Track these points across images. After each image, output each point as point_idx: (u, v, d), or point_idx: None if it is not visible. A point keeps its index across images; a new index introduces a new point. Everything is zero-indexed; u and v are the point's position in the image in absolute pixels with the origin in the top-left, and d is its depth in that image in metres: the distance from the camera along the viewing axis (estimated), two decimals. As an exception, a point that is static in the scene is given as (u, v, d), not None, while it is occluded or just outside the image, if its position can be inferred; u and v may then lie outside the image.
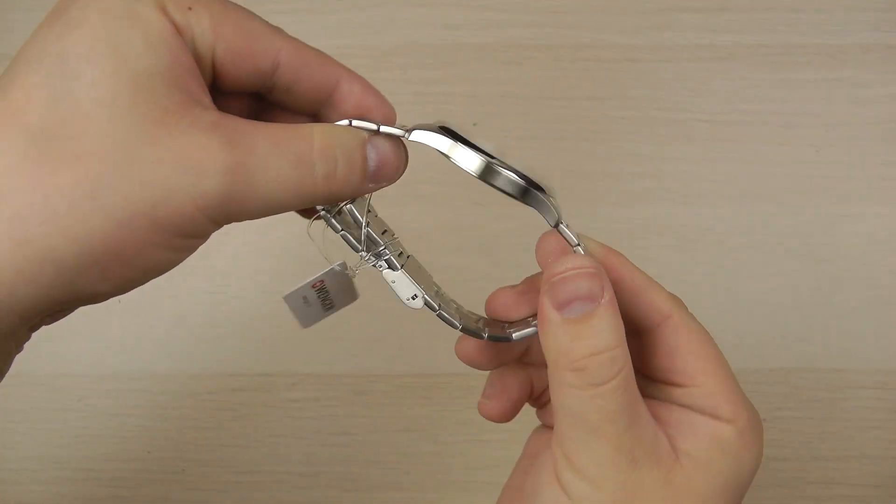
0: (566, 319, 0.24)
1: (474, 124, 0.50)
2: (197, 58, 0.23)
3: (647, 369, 0.27)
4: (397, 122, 0.27)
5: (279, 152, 0.22)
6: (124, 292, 0.23)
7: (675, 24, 0.51)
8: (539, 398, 0.31)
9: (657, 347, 0.27)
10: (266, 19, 0.24)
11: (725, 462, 0.25)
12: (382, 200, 0.49)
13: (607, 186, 0.49)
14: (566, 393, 0.24)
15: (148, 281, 0.23)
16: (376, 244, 0.28)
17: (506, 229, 0.48)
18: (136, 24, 0.21)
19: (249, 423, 0.46)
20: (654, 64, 0.51)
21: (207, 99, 0.23)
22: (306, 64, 0.24)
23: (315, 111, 0.26)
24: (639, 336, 0.27)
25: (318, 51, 0.25)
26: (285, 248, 0.48)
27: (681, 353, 0.26)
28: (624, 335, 0.25)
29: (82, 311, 0.24)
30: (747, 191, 0.49)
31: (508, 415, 0.30)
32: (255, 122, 0.23)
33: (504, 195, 0.26)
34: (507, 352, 0.30)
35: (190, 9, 0.22)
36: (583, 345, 0.24)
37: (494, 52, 0.51)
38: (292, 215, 0.26)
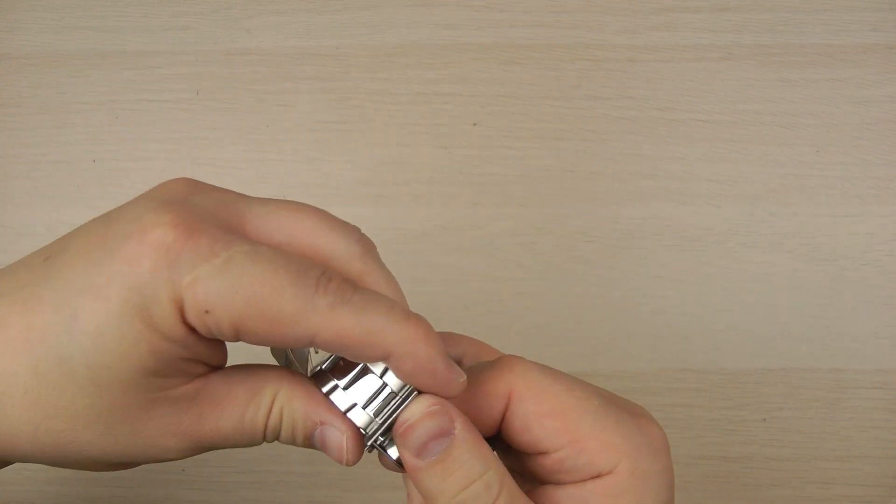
0: (429, 463, 0.24)
1: (474, 124, 0.50)
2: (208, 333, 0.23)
3: (518, 446, 0.26)
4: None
5: (241, 428, 0.24)
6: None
7: (675, 24, 0.51)
8: None
9: (513, 425, 0.25)
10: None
11: None
12: (382, 200, 0.49)
13: (607, 186, 0.49)
14: None
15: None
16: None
17: (506, 229, 0.48)
18: (147, 327, 0.22)
19: (249, 423, 0.46)
20: (654, 64, 0.51)
21: (202, 367, 0.24)
22: (347, 347, 0.22)
23: None
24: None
25: (365, 325, 0.22)
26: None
27: (534, 420, 0.25)
28: (490, 454, 0.24)
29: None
30: (747, 191, 0.49)
31: None
32: (229, 382, 0.24)
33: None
34: None
35: (207, 312, 0.21)
36: (453, 481, 0.23)
37: (494, 52, 0.51)
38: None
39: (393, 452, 0.25)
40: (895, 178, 0.49)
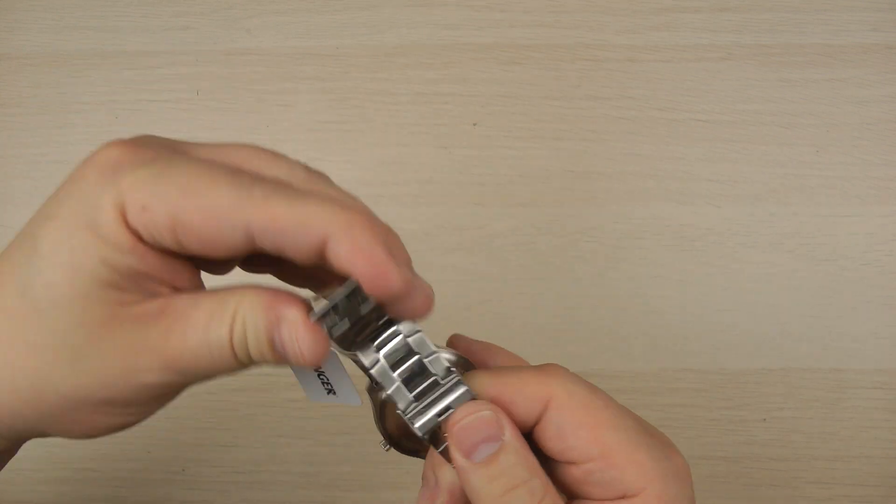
0: (476, 464, 0.24)
1: (474, 124, 0.50)
2: (163, 248, 0.23)
3: (548, 452, 0.27)
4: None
5: (207, 342, 0.23)
6: (100, 435, 0.26)
7: (675, 24, 0.51)
8: None
9: (546, 430, 0.26)
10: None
11: None
12: (383, 200, 0.49)
13: (607, 186, 0.49)
14: None
15: (116, 432, 0.26)
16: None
17: (506, 229, 0.48)
18: (95, 237, 0.22)
19: (249, 423, 0.46)
20: (654, 64, 0.51)
21: (165, 287, 0.24)
22: (282, 232, 0.22)
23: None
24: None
25: (300, 209, 0.22)
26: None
27: (569, 429, 0.25)
28: (536, 463, 0.25)
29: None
30: (747, 191, 0.49)
31: None
32: (196, 300, 0.23)
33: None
34: None
35: (144, 208, 0.22)
36: (499, 484, 0.24)
37: (494, 52, 0.51)
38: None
39: (420, 428, 0.26)
40: (895, 178, 0.49)
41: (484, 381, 0.26)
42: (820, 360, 0.47)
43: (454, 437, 0.25)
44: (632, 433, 0.25)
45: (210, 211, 0.22)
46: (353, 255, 0.22)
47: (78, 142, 0.50)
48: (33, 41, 0.51)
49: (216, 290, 0.24)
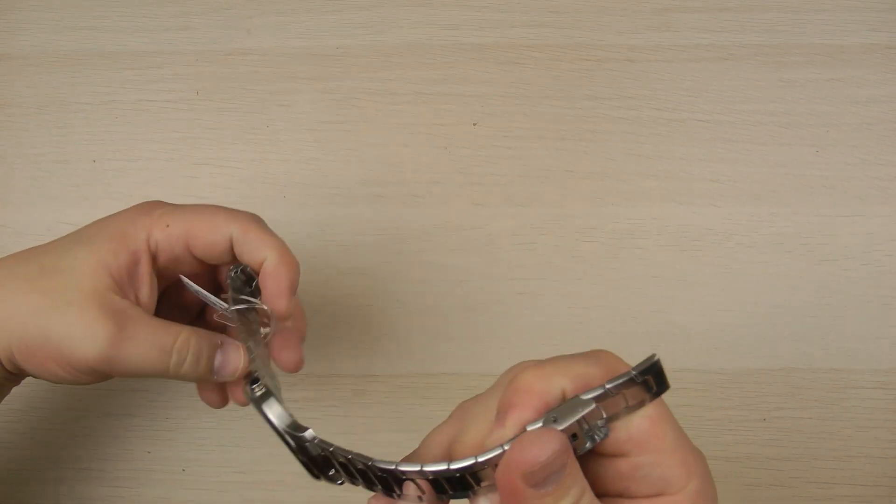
0: (542, 493, 0.24)
1: (474, 124, 0.50)
2: (173, 255, 0.34)
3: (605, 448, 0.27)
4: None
5: (150, 340, 0.32)
6: (65, 384, 0.33)
7: (675, 24, 0.51)
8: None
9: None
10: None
11: None
12: (382, 200, 0.49)
13: (607, 186, 0.49)
14: None
15: (75, 384, 0.35)
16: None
17: (506, 229, 0.48)
18: (123, 245, 0.33)
19: (249, 423, 0.46)
20: (654, 64, 0.51)
21: (144, 292, 0.34)
22: (247, 240, 0.34)
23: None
24: None
25: (259, 228, 0.34)
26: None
27: (629, 420, 0.26)
28: (582, 476, 0.25)
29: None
30: (747, 191, 0.49)
31: None
32: (151, 317, 0.33)
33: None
34: None
35: (167, 225, 0.34)
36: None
37: (494, 52, 0.51)
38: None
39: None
40: (895, 178, 0.49)
41: (531, 375, 0.26)
42: (820, 360, 0.47)
43: (525, 474, 0.24)
44: (679, 433, 0.26)
45: (211, 223, 0.34)
46: (277, 267, 0.34)
47: (78, 142, 0.50)
48: (33, 41, 0.51)
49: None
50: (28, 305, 0.31)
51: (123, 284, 0.33)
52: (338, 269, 0.48)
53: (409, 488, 0.28)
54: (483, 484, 0.26)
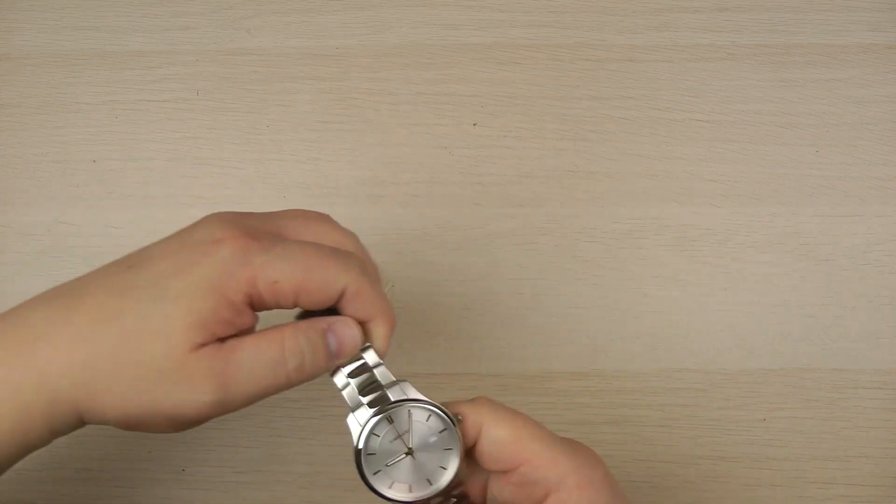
0: None
1: (474, 124, 0.50)
2: (275, 303, 0.31)
3: (488, 466, 0.31)
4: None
5: (259, 359, 0.30)
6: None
7: (675, 24, 0.52)
8: None
9: (484, 449, 0.31)
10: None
11: None
12: (382, 200, 0.49)
13: (607, 186, 0.49)
14: None
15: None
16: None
17: (506, 229, 0.48)
18: (220, 296, 0.29)
19: (249, 423, 0.46)
20: (654, 64, 0.51)
21: (245, 326, 0.31)
22: (356, 302, 0.32)
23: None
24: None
25: (371, 291, 0.32)
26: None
27: (499, 444, 0.30)
28: None
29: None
30: (747, 191, 0.49)
31: None
32: (247, 339, 0.30)
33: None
34: None
35: (275, 282, 0.30)
36: None
37: (494, 52, 0.51)
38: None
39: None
40: (895, 178, 0.49)
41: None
42: (820, 360, 0.47)
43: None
44: (546, 440, 0.30)
45: (323, 281, 0.31)
46: (376, 333, 0.33)
47: (78, 142, 0.50)
48: (33, 41, 0.51)
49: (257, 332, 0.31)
50: (121, 387, 0.29)
51: (223, 332, 0.30)
52: (338, 269, 0.48)
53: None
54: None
